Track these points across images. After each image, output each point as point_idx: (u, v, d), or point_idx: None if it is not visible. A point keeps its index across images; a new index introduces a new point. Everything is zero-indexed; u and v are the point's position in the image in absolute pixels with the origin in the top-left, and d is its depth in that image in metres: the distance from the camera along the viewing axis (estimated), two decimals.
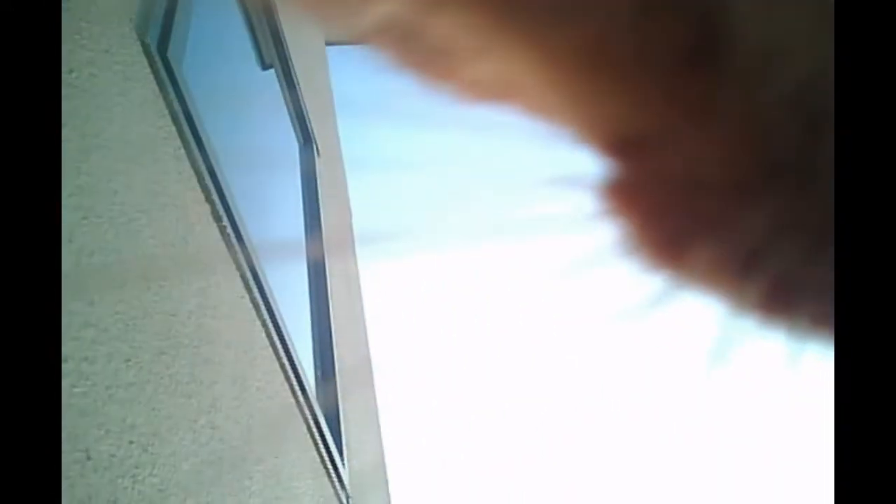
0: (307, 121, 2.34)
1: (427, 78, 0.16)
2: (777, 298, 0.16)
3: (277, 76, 2.16)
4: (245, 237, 1.47)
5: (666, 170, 0.15)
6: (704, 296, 0.17)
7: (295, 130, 2.34)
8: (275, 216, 2.02)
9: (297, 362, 1.68)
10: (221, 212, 1.41)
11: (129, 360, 0.99)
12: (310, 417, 1.71)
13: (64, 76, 1.03)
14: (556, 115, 0.16)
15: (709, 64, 0.13)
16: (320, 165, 2.36)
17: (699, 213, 0.15)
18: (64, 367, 0.86)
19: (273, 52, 2.14)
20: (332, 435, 1.89)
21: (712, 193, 0.15)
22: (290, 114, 2.31)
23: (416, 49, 0.15)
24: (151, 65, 1.28)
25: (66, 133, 0.99)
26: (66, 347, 0.87)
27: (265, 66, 2.11)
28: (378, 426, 2.69)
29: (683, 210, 0.15)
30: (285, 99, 2.25)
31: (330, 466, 1.82)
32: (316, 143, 2.40)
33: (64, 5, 1.08)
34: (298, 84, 2.22)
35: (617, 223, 0.16)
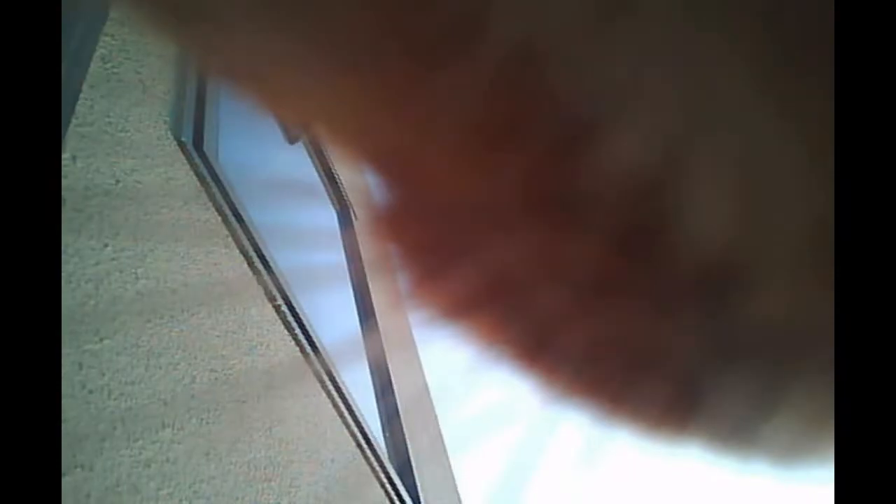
0: (341, 188, 2.39)
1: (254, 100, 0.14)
2: (530, 351, 0.14)
3: (306, 148, 2.22)
4: (299, 311, 1.49)
5: (433, 198, 0.13)
6: (460, 334, 0.15)
7: (330, 198, 2.39)
8: (322, 284, 2.05)
9: (364, 425, 1.68)
10: (274, 291, 1.43)
11: (207, 454, 1.01)
12: (384, 479, 1.70)
13: (111, 186, 1.08)
14: (332, 129, 0.14)
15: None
16: (359, 227, 2.39)
17: (459, 246, 0.14)
18: (147, 471, 0.88)
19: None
20: (407, 488, 1.87)
21: (476, 226, 0.13)
22: (323, 183, 2.35)
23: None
24: (190, 161, 1.32)
25: (120, 242, 1.02)
26: (148, 452, 0.89)
27: (292, 141, 2.17)
28: (448, 461, 2.69)
29: (445, 242, 0.14)
30: (317, 169, 2.30)
31: None
32: (352, 206, 2.44)
33: (102, 120, 1.13)
34: (327, 151, 2.27)
35: (387, 248, 0.15)
